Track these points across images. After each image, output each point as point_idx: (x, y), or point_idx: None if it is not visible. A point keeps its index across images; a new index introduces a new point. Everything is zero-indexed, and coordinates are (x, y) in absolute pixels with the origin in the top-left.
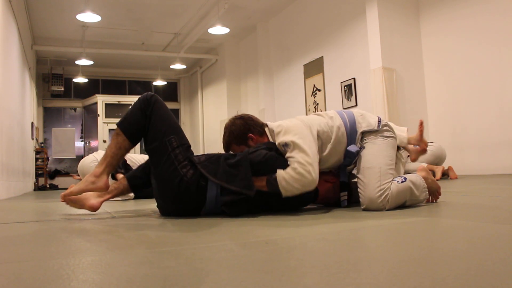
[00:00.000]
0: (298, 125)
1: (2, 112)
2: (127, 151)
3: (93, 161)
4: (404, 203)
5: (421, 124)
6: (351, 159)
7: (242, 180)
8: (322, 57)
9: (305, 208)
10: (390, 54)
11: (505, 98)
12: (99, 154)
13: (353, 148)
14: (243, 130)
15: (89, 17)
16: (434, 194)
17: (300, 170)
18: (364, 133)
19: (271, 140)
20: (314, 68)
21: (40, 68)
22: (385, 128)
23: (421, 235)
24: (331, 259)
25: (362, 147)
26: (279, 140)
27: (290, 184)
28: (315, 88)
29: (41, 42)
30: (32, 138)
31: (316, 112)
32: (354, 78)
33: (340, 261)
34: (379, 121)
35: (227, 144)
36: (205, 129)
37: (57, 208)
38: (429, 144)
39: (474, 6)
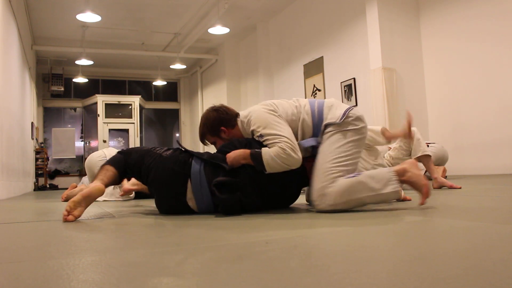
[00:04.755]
0: (263, 115)
1: (2, 112)
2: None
3: (100, 156)
4: (364, 201)
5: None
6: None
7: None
8: (322, 57)
9: (304, 208)
10: (390, 54)
11: (505, 98)
12: (108, 151)
13: (306, 143)
14: (216, 123)
15: (89, 17)
16: (420, 190)
17: (288, 151)
18: (327, 125)
19: (242, 131)
20: (314, 68)
21: (40, 68)
22: (349, 120)
23: (421, 235)
24: (330, 259)
25: (318, 143)
26: (252, 129)
27: (275, 161)
28: (315, 88)
29: (41, 42)
30: (32, 138)
31: (295, 98)
32: (354, 78)
33: (340, 261)
34: (344, 114)
35: (202, 134)
36: None
37: (57, 208)
38: (430, 145)
39: (474, 8)
